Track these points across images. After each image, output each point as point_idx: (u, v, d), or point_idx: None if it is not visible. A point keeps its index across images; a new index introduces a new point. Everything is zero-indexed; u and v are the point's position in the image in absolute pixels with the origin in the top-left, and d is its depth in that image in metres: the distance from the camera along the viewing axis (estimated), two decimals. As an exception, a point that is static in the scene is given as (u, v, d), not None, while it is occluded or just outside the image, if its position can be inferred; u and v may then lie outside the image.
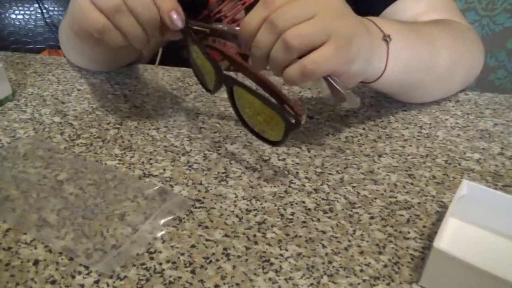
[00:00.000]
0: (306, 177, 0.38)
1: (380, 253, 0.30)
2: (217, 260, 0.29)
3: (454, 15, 0.54)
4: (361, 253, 0.30)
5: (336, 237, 0.32)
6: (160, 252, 0.30)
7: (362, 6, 0.62)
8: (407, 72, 0.42)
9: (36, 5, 1.04)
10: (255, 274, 0.28)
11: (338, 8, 0.34)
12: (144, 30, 0.36)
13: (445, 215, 0.29)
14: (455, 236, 0.31)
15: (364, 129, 0.46)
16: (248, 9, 0.63)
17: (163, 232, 0.31)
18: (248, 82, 0.38)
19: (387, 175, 0.39)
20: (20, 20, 1.05)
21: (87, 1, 0.35)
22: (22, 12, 1.04)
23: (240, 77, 0.40)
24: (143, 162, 0.39)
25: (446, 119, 0.48)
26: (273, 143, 0.37)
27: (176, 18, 0.35)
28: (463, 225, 0.32)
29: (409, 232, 0.32)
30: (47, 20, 1.04)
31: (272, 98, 0.35)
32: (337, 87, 0.35)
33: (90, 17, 0.35)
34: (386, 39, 0.38)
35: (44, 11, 1.04)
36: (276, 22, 0.32)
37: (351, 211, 0.34)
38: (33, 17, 1.05)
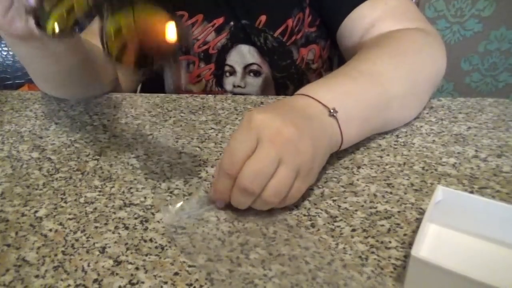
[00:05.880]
0: (287, 194, 0.38)
1: (363, 265, 0.31)
2: (201, 286, 0.29)
3: (412, 20, 0.54)
4: (344, 266, 0.31)
5: (319, 253, 0.32)
6: (143, 282, 0.29)
7: (325, 16, 0.63)
8: (365, 124, 0.42)
9: (14, 41, 1.04)
10: (239, 297, 0.28)
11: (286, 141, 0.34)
12: None
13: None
14: (435, 242, 0.32)
15: (342, 142, 0.46)
16: (217, 30, 0.64)
17: (145, 262, 0.31)
18: None
19: (367, 186, 0.39)
20: (-2, 57, 1.04)
21: None
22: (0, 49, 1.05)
23: None
24: (123, 192, 0.39)
25: (421, 126, 0.49)
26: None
27: None
28: (442, 230, 0.33)
29: (390, 242, 0.33)
30: (25, 55, 1.04)
31: None
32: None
33: None
34: (333, 114, 0.38)
35: (21, 46, 1.04)
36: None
37: (333, 225, 0.35)
38: (11, 53, 1.05)
